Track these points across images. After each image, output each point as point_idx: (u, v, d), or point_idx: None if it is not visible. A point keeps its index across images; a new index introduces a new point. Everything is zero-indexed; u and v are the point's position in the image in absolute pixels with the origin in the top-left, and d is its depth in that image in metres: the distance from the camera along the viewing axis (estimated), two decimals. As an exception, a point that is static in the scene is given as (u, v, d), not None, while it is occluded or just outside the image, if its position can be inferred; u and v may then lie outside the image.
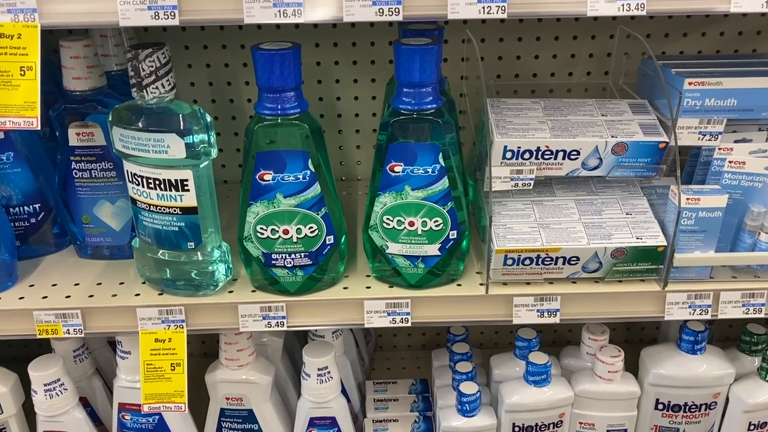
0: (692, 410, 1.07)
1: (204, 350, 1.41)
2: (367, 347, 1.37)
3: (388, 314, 0.91)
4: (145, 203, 0.87)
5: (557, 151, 0.90)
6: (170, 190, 0.84)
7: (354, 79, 1.23)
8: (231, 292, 0.92)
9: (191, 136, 0.81)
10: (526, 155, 0.90)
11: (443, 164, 0.84)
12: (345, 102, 1.25)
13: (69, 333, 0.90)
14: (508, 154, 0.90)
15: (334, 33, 1.19)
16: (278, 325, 0.91)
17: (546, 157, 0.90)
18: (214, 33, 1.19)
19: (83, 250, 1.02)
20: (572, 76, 1.23)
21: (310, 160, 0.84)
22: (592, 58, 1.21)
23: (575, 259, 0.89)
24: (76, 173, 0.96)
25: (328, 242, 0.89)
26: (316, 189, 0.85)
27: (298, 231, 0.87)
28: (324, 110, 1.25)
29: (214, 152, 0.86)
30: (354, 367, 1.20)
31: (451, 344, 1.16)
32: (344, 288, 0.93)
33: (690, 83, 0.90)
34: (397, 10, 0.74)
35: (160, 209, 0.86)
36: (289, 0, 0.73)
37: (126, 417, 1.04)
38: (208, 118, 0.84)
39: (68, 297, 0.91)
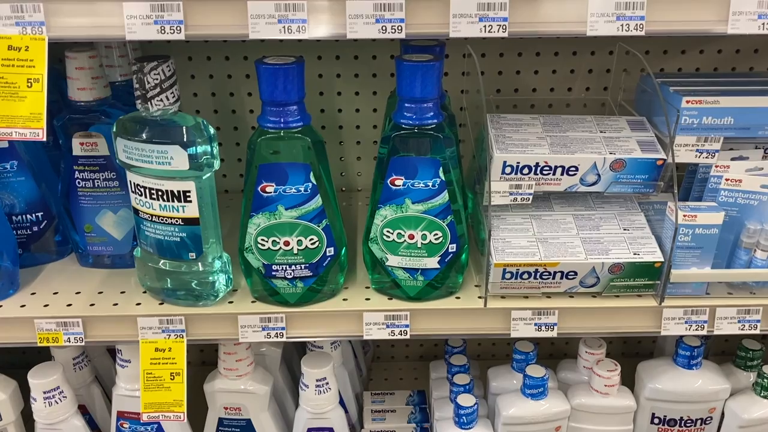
0: (688, 425, 1.07)
1: (202, 359, 1.41)
2: (365, 358, 1.37)
3: (387, 326, 0.91)
4: (147, 213, 0.87)
5: (556, 167, 0.91)
6: (173, 201, 0.85)
7: (355, 91, 1.24)
8: (231, 302, 0.93)
9: (194, 148, 0.82)
10: (525, 170, 0.91)
11: (443, 178, 0.85)
12: (346, 114, 1.26)
13: (70, 341, 0.90)
14: (507, 170, 0.91)
15: (337, 46, 1.20)
16: (277, 336, 0.91)
17: (545, 172, 0.91)
18: (217, 45, 1.20)
19: (85, 258, 1.02)
20: (571, 91, 1.24)
21: (311, 173, 0.85)
22: (592, 73, 1.22)
23: (573, 273, 0.90)
24: (78, 182, 0.97)
25: (328, 254, 0.89)
26: (317, 201, 0.86)
27: (299, 243, 0.87)
28: (325, 122, 1.26)
29: (216, 164, 0.86)
30: (352, 378, 1.20)
31: (449, 356, 1.17)
32: (344, 299, 0.93)
33: (688, 101, 0.91)
34: (399, 27, 0.75)
35: (162, 220, 0.87)
36: (293, 16, 0.74)
37: (124, 425, 1.04)
38: (212, 130, 0.85)
39: (69, 305, 0.92)
